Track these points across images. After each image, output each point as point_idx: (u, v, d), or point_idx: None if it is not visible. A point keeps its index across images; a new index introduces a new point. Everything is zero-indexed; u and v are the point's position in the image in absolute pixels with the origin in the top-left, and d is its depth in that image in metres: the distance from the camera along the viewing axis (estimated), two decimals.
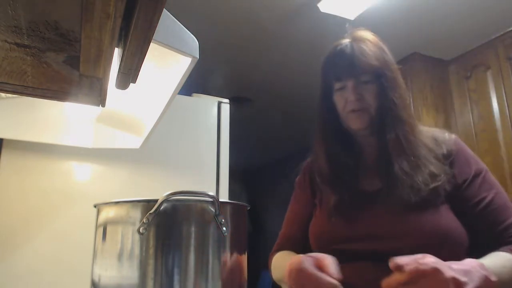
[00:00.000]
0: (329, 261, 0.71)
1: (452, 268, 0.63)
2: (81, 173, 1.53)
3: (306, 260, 0.72)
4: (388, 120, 0.88)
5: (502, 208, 0.83)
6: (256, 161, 6.13)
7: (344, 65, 0.91)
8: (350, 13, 2.23)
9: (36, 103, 1.22)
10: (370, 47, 0.91)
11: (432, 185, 0.81)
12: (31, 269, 1.35)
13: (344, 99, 0.92)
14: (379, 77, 0.90)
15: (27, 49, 0.43)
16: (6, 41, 0.42)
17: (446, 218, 0.81)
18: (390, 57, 0.93)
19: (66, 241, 1.42)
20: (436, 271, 0.61)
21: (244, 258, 0.78)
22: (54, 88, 0.52)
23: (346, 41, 0.94)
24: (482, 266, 0.67)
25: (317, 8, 2.23)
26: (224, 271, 0.74)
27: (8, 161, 1.41)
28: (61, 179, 1.49)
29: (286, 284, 0.76)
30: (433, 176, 0.83)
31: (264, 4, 2.25)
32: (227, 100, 1.90)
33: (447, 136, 0.93)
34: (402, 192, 0.81)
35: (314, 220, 0.96)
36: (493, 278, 0.66)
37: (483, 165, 0.90)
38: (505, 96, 2.35)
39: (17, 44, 0.42)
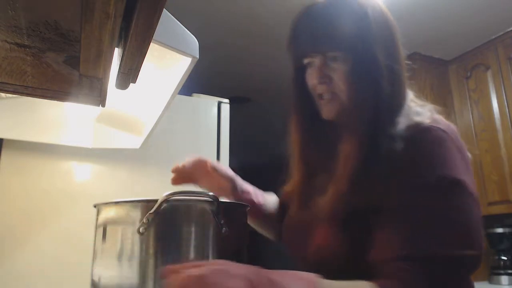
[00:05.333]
0: None
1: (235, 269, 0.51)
2: (81, 173, 1.53)
3: None
4: (357, 112, 0.67)
5: None
6: (256, 161, 6.12)
7: (307, 37, 0.71)
8: None
9: (36, 103, 1.22)
10: (345, 11, 0.69)
11: None
12: (31, 269, 1.35)
13: (312, 80, 0.72)
14: (352, 53, 0.67)
15: (27, 49, 0.43)
16: (6, 41, 0.42)
17: None
18: (379, 25, 0.69)
19: (66, 241, 1.42)
20: (202, 276, 0.49)
21: (244, 258, 0.78)
22: (54, 88, 0.52)
23: (318, 2, 0.72)
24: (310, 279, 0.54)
25: None
26: None
27: (8, 161, 1.41)
28: (61, 179, 1.49)
29: None
30: None
31: (265, 4, 2.25)
32: (227, 100, 1.90)
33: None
34: None
35: None
36: None
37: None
38: (505, 96, 2.35)
39: (17, 44, 0.42)
